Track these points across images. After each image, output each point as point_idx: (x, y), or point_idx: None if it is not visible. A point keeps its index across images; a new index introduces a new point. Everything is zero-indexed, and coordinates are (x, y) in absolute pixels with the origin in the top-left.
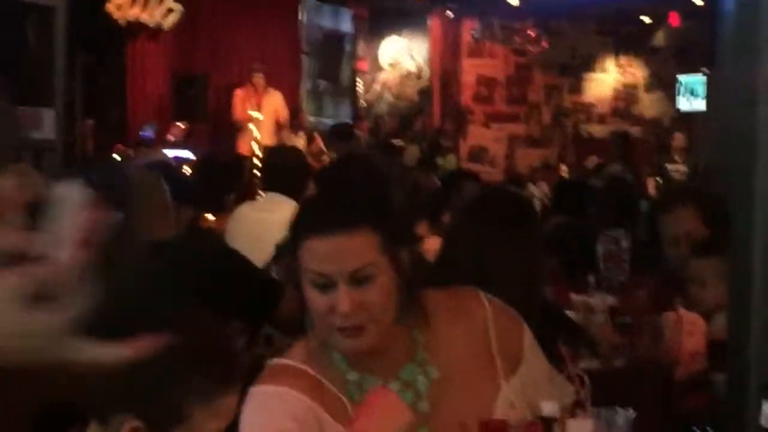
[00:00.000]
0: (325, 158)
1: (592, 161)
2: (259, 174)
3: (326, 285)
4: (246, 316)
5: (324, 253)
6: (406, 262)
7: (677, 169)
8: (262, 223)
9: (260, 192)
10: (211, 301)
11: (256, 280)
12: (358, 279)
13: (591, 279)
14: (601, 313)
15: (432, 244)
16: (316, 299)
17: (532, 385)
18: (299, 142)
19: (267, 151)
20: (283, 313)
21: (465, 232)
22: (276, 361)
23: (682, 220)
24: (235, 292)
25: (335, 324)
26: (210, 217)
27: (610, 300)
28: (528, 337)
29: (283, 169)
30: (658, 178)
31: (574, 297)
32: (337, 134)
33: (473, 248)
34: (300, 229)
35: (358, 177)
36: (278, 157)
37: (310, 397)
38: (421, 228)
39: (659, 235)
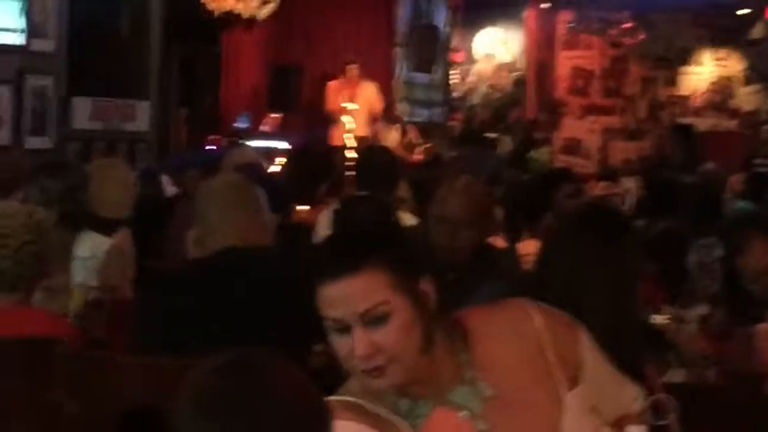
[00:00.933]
0: (419, 150)
1: None
2: (352, 172)
3: (342, 329)
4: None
5: (333, 298)
6: (428, 291)
7: (765, 163)
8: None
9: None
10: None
11: None
12: (370, 319)
13: (683, 289)
14: (693, 324)
15: (529, 248)
16: (337, 344)
17: (596, 391)
18: (393, 134)
19: (358, 151)
20: None
21: (562, 249)
22: (331, 399)
23: (758, 256)
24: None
25: (358, 367)
26: (302, 207)
27: (702, 310)
28: (585, 341)
29: (373, 168)
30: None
31: (666, 307)
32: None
33: (569, 265)
34: (313, 278)
35: (362, 217)
36: (368, 157)
37: (373, 427)
38: (498, 240)
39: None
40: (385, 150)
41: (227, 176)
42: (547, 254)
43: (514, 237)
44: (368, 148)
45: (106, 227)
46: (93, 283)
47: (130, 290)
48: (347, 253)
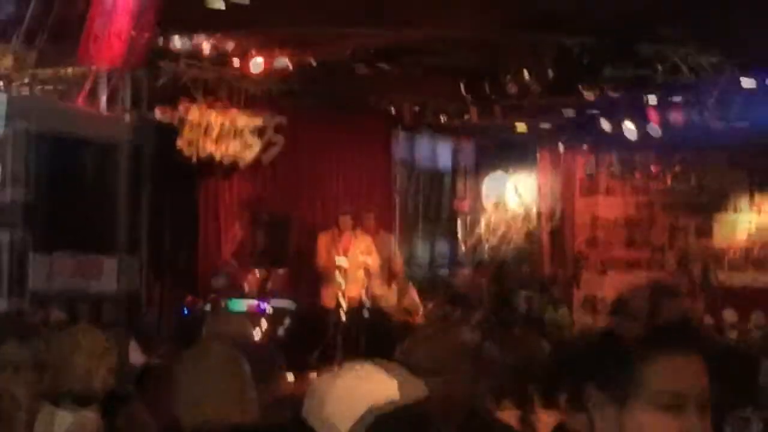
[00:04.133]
0: (420, 312)
1: (730, 315)
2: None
3: (676, 406)
4: None
5: (682, 370)
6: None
7: None
8: (352, 396)
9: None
10: None
11: None
12: (702, 405)
13: None
14: None
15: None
16: (656, 424)
17: None
18: (391, 294)
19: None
20: None
21: None
22: None
23: None
24: None
25: None
26: (290, 377)
27: None
28: None
29: (368, 335)
30: None
31: None
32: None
33: None
34: (652, 346)
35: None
36: (362, 323)
37: None
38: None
39: None
40: (381, 314)
41: (211, 346)
42: None
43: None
44: (360, 315)
45: (72, 400)
46: None
47: None
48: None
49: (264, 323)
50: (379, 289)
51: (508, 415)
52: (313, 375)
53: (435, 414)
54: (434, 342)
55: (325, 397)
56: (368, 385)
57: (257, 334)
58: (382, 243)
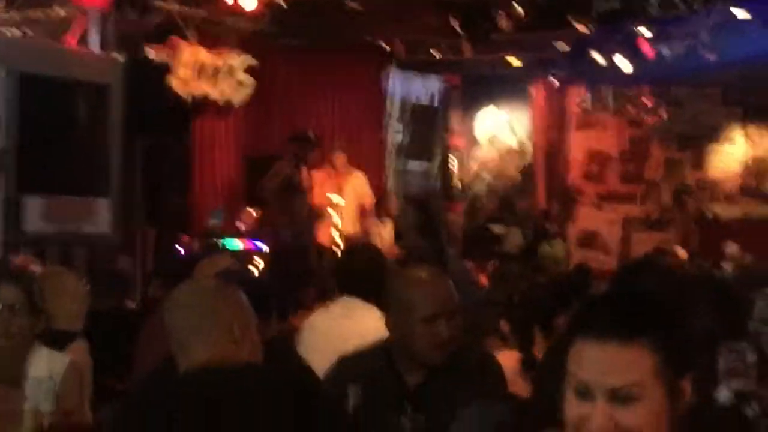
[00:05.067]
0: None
1: (731, 248)
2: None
3: (584, 393)
4: None
5: (590, 359)
6: (686, 391)
7: None
8: (339, 334)
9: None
10: None
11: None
12: (619, 398)
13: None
14: None
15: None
16: (571, 404)
17: None
18: (385, 230)
19: (340, 253)
20: None
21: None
22: None
23: None
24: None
25: None
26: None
27: None
28: None
29: (358, 273)
30: None
31: None
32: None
33: None
34: (575, 326)
35: (650, 283)
36: (352, 259)
37: None
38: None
39: None
40: (371, 250)
41: (201, 282)
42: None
43: (527, 347)
44: (351, 248)
45: (59, 341)
46: (47, 407)
47: (88, 413)
48: (622, 316)
49: (260, 261)
50: (373, 226)
51: (509, 356)
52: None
53: (405, 354)
54: (425, 288)
55: (311, 333)
56: (350, 322)
57: (254, 272)
58: (353, 182)
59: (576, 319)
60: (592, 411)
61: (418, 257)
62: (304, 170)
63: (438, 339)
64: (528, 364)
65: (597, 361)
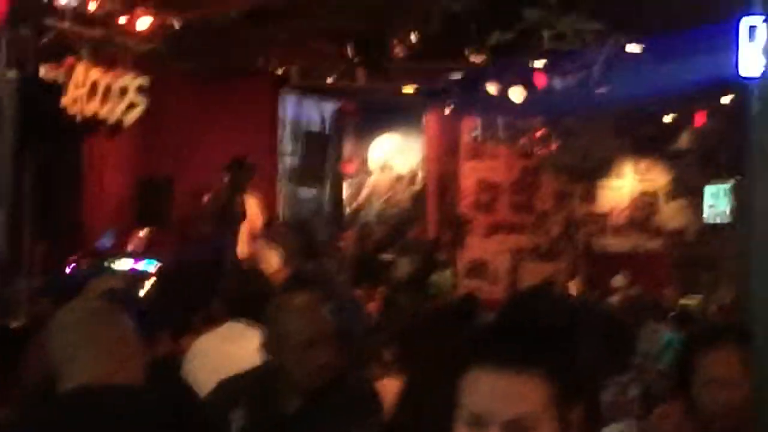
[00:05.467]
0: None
1: (618, 281)
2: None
3: (475, 424)
4: None
5: (483, 390)
6: (573, 422)
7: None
8: (225, 357)
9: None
10: None
11: None
12: (513, 430)
13: None
14: None
15: None
16: None
17: None
18: (273, 255)
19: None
20: None
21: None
22: None
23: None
24: None
25: None
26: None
27: None
28: None
29: (243, 297)
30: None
31: None
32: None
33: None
34: (464, 356)
35: (542, 312)
36: (238, 283)
37: None
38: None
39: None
40: (257, 275)
41: (85, 302)
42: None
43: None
44: (238, 273)
45: None
46: None
47: None
48: (521, 346)
49: (148, 283)
50: (263, 250)
51: (391, 384)
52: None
53: (283, 379)
54: (299, 314)
55: (197, 356)
56: (235, 346)
57: (141, 293)
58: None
59: (468, 347)
60: None
61: (302, 282)
62: (239, 196)
63: (313, 364)
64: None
65: (492, 392)
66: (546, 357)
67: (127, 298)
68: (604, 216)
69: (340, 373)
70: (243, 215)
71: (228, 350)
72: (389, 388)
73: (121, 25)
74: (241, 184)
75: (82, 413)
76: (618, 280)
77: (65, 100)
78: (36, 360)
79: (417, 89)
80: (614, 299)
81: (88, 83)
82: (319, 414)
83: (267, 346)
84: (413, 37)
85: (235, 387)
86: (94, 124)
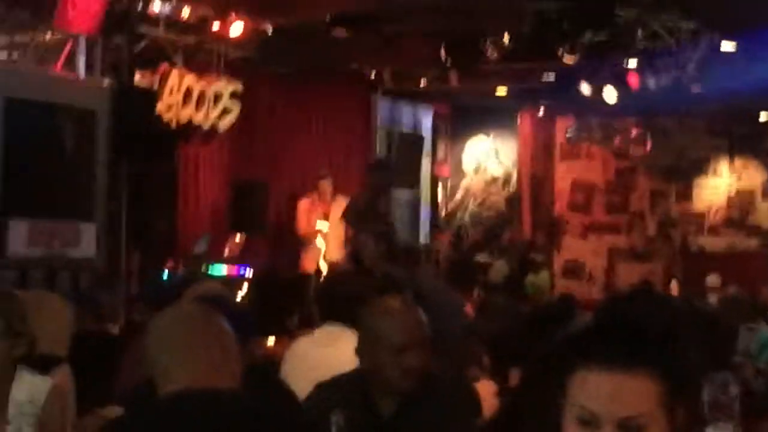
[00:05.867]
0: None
1: (713, 280)
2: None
3: (588, 422)
4: None
5: (598, 389)
6: (683, 423)
7: None
8: (322, 361)
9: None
10: None
11: None
12: (627, 428)
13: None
14: None
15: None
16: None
17: None
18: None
19: (322, 280)
20: None
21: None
22: None
23: None
24: None
25: None
26: (270, 341)
27: None
28: None
29: (339, 299)
30: None
31: None
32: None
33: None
34: (572, 355)
35: (649, 310)
36: (334, 286)
37: None
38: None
39: None
40: (354, 277)
41: (182, 307)
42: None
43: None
44: (334, 275)
45: (43, 365)
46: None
47: None
48: (627, 345)
49: (244, 287)
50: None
51: (488, 385)
52: (292, 339)
53: (378, 383)
54: (392, 318)
55: (293, 360)
56: (332, 350)
57: (238, 298)
58: (339, 209)
59: (575, 346)
60: None
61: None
62: (383, 197)
63: (407, 369)
64: (505, 396)
65: (605, 391)
66: (655, 356)
67: (225, 302)
68: (701, 215)
69: (437, 375)
70: (386, 216)
71: (324, 353)
72: (487, 389)
73: (214, 32)
74: (383, 185)
75: (184, 418)
76: (712, 280)
77: (160, 107)
78: (133, 365)
79: (510, 90)
80: (711, 299)
81: (182, 89)
82: (417, 416)
83: (361, 349)
84: (506, 39)
85: (332, 390)
86: (188, 130)
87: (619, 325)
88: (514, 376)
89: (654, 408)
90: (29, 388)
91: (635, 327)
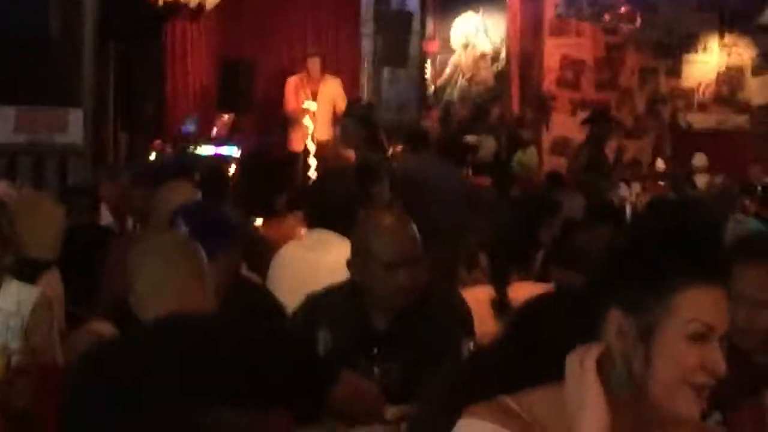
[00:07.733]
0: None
1: (699, 160)
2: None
3: (700, 336)
4: (292, 403)
5: (713, 302)
6: None
7: None
8: (311, 267)
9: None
10: (250, 387)
11: (307, 360)
12: (723, 338)
13: None
14: None
15: (521, 291)
16: (686, 352)
17: None
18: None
19: (313, 182)
20: (335, 402)
21: None
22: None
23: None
24: (278, 376)
25: (698, 381)
26: (258, 221)
27: None
28: None
29: (330, 202)
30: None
31: None
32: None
33: None
34: (673, 272)
35: (702, 222)
36: (324, 191)
37: None
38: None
39: None
40: (346, 180)
41: (169, 234)
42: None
43: (502, 284)
44: (324, 179)
45: (31, 271)
46: (16, 344)
47: (57, 350)
48: (720, 261)
49: (233, 167)
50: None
51: (482, 291)
52: (280, 220)
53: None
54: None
55: (281, 266)
56: (321, 255)
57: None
58: (327, 87)
59: (677, 262)
60: (710, 353)
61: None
62: (603, 150)
63: (399, 286)
64: (499, 306)
65: (717, 305)
66: (726, 270)
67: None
68: (690, 91)
69: (429, 289)
70: (613, 167)
71: (313, 258)
72: (481, 296)
73: None
74: (603, 136)
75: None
76: (699, 160)
77: None
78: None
79: None
80: (700, 181)
81: None
82: (412, 331)
83: (353, 263)
84: None
85: (324, 302)
86: (175, 8)
87: (702, 239)
88: (517, 287)
89: None
90: (16, 298)
91: (712, 241)
